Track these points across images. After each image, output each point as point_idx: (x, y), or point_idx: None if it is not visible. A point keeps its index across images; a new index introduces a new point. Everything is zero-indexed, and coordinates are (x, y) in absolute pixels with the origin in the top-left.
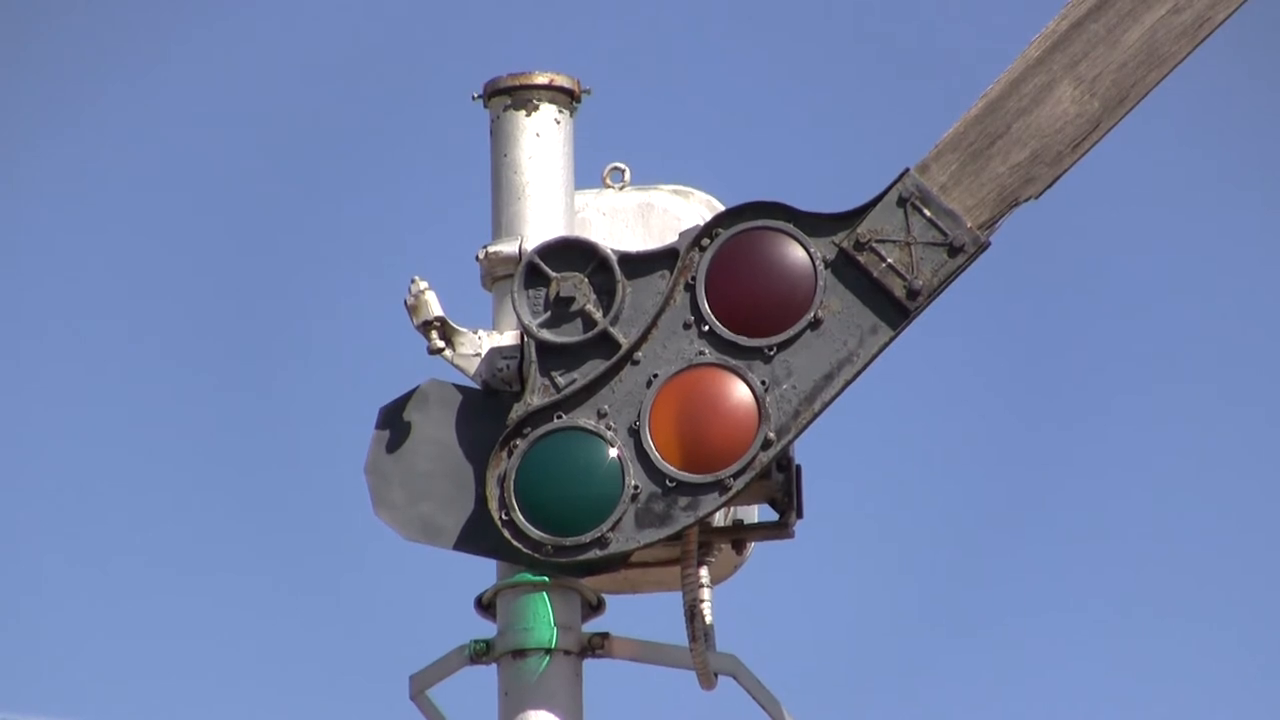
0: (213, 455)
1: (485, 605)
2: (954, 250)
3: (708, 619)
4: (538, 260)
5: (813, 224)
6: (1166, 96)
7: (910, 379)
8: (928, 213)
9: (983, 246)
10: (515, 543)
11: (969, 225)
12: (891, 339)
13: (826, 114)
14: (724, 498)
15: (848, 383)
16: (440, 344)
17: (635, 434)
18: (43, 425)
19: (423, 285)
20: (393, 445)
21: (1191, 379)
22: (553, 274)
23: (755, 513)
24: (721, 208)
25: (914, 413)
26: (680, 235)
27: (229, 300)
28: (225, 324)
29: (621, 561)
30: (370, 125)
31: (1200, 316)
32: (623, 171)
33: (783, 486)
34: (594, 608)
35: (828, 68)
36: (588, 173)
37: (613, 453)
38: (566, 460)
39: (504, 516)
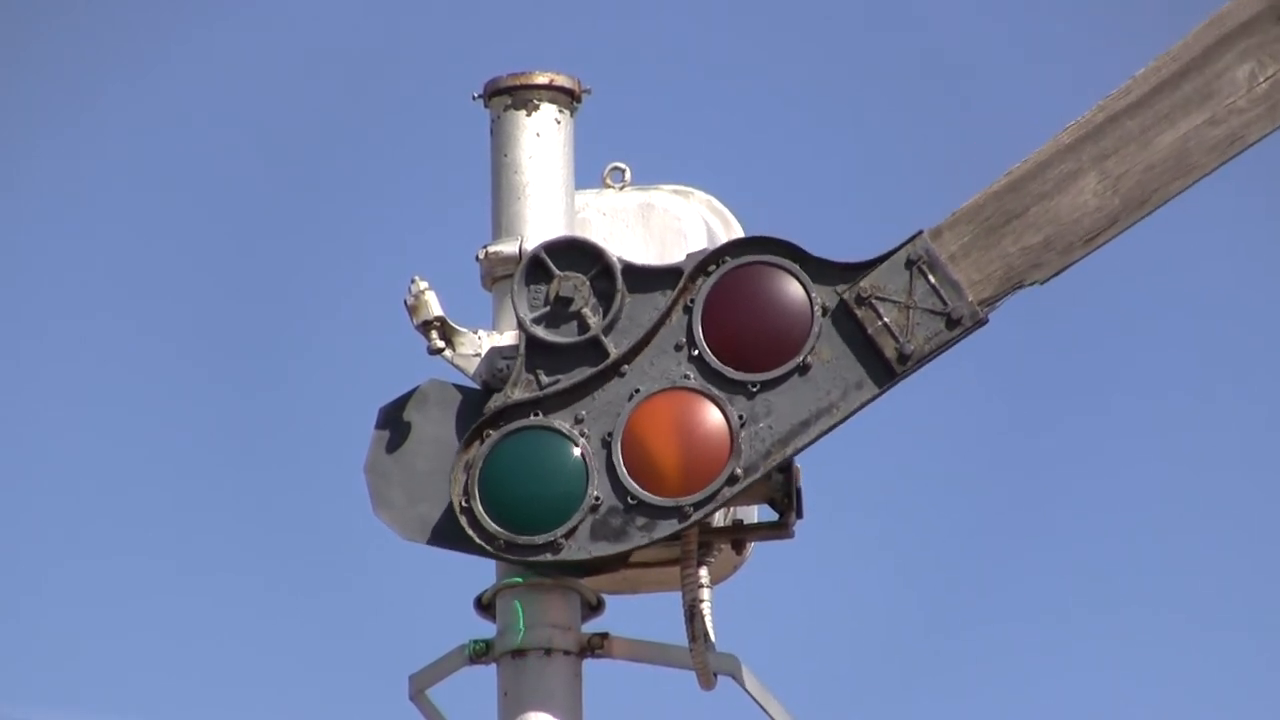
0: (212, 455)
1: (485, 605)
2: (952, 322)
3: (707, 619)
4: (543, 256)
5: (819, 269)
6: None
7: (909, 378)
8: (932, 279)
9: (980, 323)
10: (469, 531)
11: (970, 299)
12: (874, 398)
13: (826, 113)
14: (681, 526)
15: (823, 433)
16: (440, 344)
17: (607, 446)
18: (43, 424)
19: (423, 285)
20: (392, 445)
21: (1192, 383)
22: (556, 271)
23: (755, 513)
24: (721, 207)
25: (913, 413)
26: (688, 256)
27: (229, 300)
28: (225, 324)
29: (574, 569)
30: (370, 125)
31: (1199, 318)
32: (623, 171)
33: (782, 487)
34: (594, 608)
35: (827, 67)
36: (588, 173)
37: (576, 451)
38: (533, 459)
39: (464, 503)
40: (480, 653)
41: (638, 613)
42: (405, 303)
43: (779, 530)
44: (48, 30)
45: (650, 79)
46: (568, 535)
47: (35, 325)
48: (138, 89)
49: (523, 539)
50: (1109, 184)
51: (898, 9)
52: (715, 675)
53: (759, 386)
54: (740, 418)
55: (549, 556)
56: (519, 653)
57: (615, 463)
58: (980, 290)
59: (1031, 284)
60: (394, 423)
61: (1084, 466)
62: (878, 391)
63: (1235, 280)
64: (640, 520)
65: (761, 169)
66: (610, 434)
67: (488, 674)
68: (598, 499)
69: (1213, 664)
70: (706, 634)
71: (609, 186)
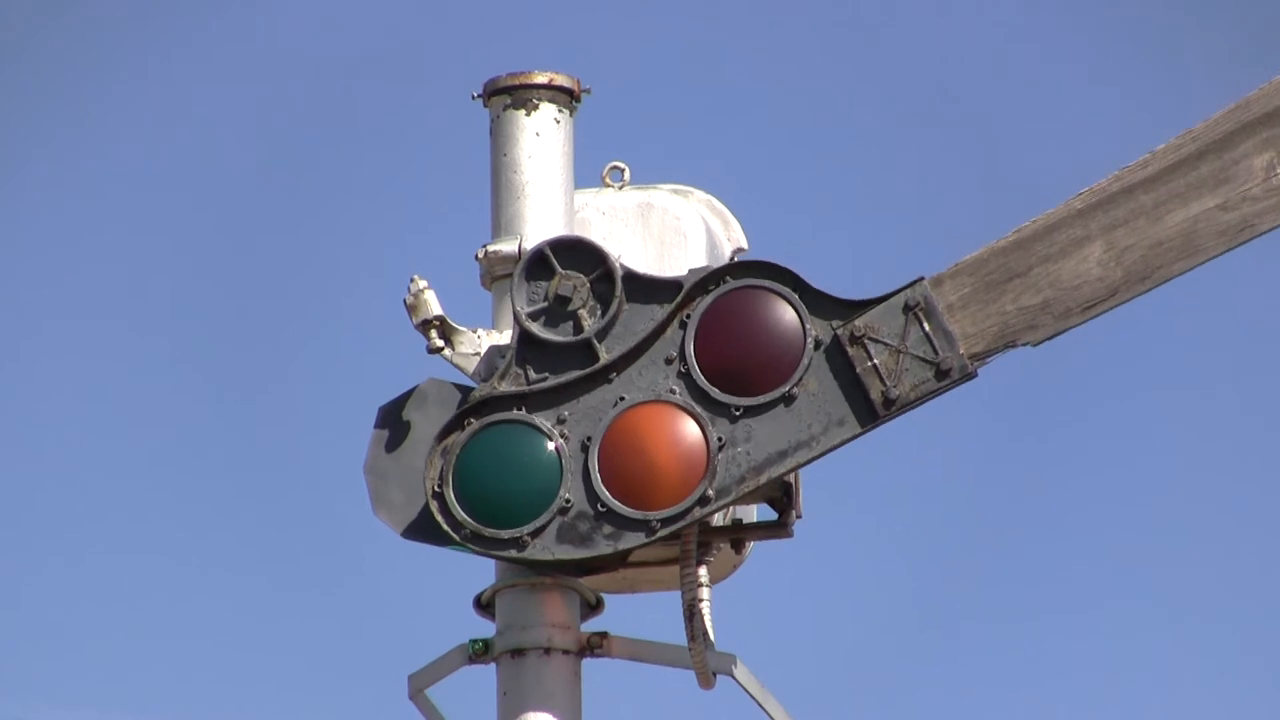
0: (212, 454)
1: (484, 605)
2: (940, 373)
3: (706, 618)
4: (547, 252)
5: (817, 302)
6: (1163, 99)
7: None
8: (927, 327)
9: (968, 376)
10: (438, 516)
11: (962, 352)
12: (855, 436)
13: (826, 113)
14: (647, 540)
15: (799, 465)
16: (439, 343)
17: (585, 450)
18: (43, 424)
19: (422, 284)
20: (392, 445)
21: (1193, 384)
22: (558, 269)
23: (754, 512)
24: (721, 207)
25: (912, 412)
26: (690, 271)
27: (229, 300)
28: (225, 323)
29: (539, 565)
30: (370, 125)
31: (1195, 321)
32: (622, 171)
33: (781, 486)
34: (593, 607)
35: (827, 67)
36: (587, 172)
37: (551, 446)
38: (510, 453)
39: (436, 488)
40: (479, 652)
41: (637, 612)
42: (405, 302)
43: (778, 530)
44: (48, 30)
45: (650, 79)
46: (534, 534)
47: (35, 324)
48: (138, 89)
49: (489, 531)
50: (1114, 255)
51: (897, 11)
52: (714, 674)
53: (742, 411)
54: (719, 440)
55: (514, 553)
56: (518, 652)
57: (590, 468)
58: (973, 344)
59: (1024, 344)
60: (394, 422)
61: (1083, 467)
62: (859, 431)
63: (1235, 281)
64: (607, 529)
65: (761, 169)
66: (590, 438)
67: (487, 674)
68: (568, 501)
69: (1211, 662)
70: (705, 633)
71: (608, 186)
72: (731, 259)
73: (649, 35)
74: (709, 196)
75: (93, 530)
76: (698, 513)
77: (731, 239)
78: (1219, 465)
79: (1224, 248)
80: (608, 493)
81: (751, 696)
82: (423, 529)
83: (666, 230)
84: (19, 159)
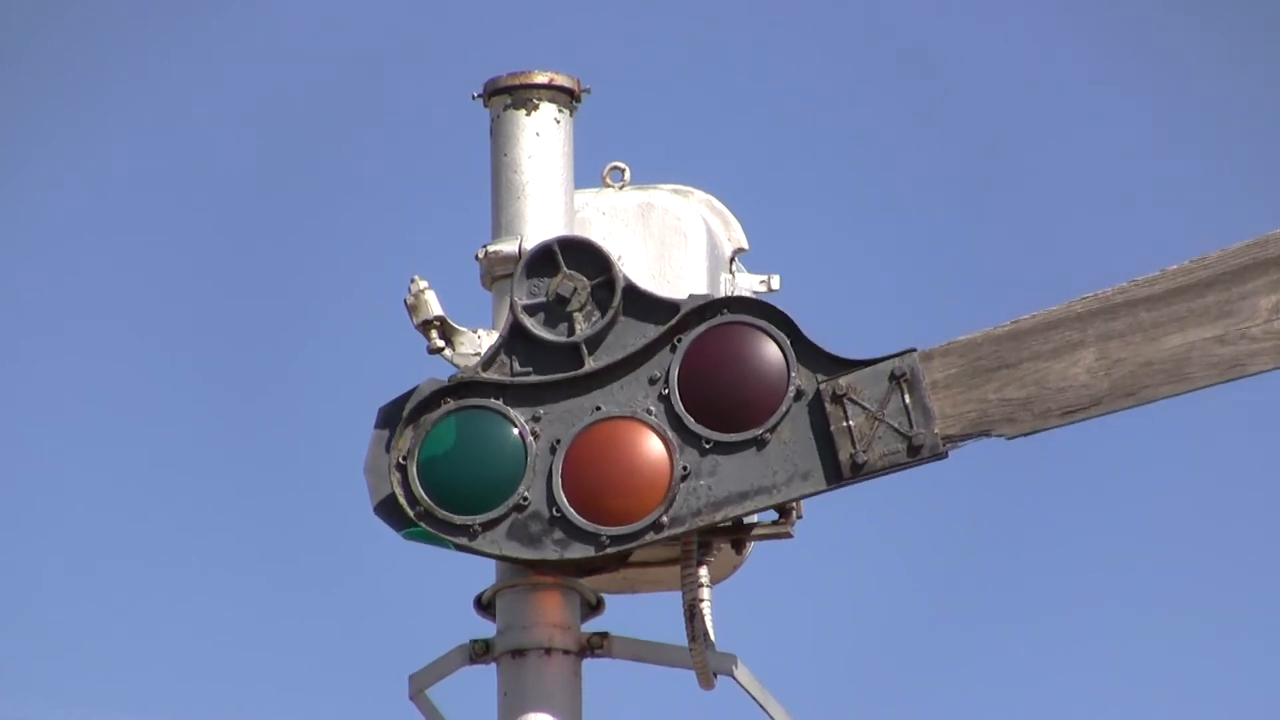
0: (212, 454)
1: (485, 605)
2: (912, 449)
3: (707, 619)
4: (555, 249)
5: (807, 352)
6: (1163, 100)
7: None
8: (908, 399)
9: (938, 456)
10: (397, 489)
11: (937, 431)
12: (816, 493)
13: (826, 113)
14: (595, 554)
15: (756, 510)
16: (440, 343)
17: (554, 452)
18: (43, 424)
19: (422, 284)
20: (392, 445)
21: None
22: (563, 268)
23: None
24: (721, 207)
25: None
26: (689, 297)
27: (229, 300)
28: (225, 323)
29: (485, 556)
30: (370, 125)
31: None
32: (622, 171)
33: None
34: (593, 607)
35: (827, 67)
36: (588, 172)
37: (514, 432)
38: (479, 440)
39: (401, 460)
40: (480, 652)
41: (638, 612)
42: (405, 302)
43: (779, 530)
44: (48, 30)
45: (650, 79)
46: (486, 526)
47: (35, 324)
48: (138, 89)
49: (442, 513)
50: (1104, 365)
51: (898, 11)
52: (715, 675)
53: (713, 445)
54: (684, 469)
55: (463, 540)
56: (519, 652)
57: (554, 471)
58: (949, 425)
59: (998, 436)
60: (394, 422)
61: (1086, 465)
62: (822, 488)
63: None
64: (557, 534)
65: (761, 169)
66: (559, 441)
67: (488, 674)
68: (526, 499)
69: (1211, 663)
70: (706, 633)
71: (608, 186)
72: (732, 259)
73: (649, 35)
74: (709, 196)
75: (93, 530)
76: (649, 537)
77: (732, 239)
78: (1219, 467)
79: (1212, 381)
80: (565, 500)
81: (752, 697)
82: (387, 507)
83: (667, 230)
84: (19, 159)
